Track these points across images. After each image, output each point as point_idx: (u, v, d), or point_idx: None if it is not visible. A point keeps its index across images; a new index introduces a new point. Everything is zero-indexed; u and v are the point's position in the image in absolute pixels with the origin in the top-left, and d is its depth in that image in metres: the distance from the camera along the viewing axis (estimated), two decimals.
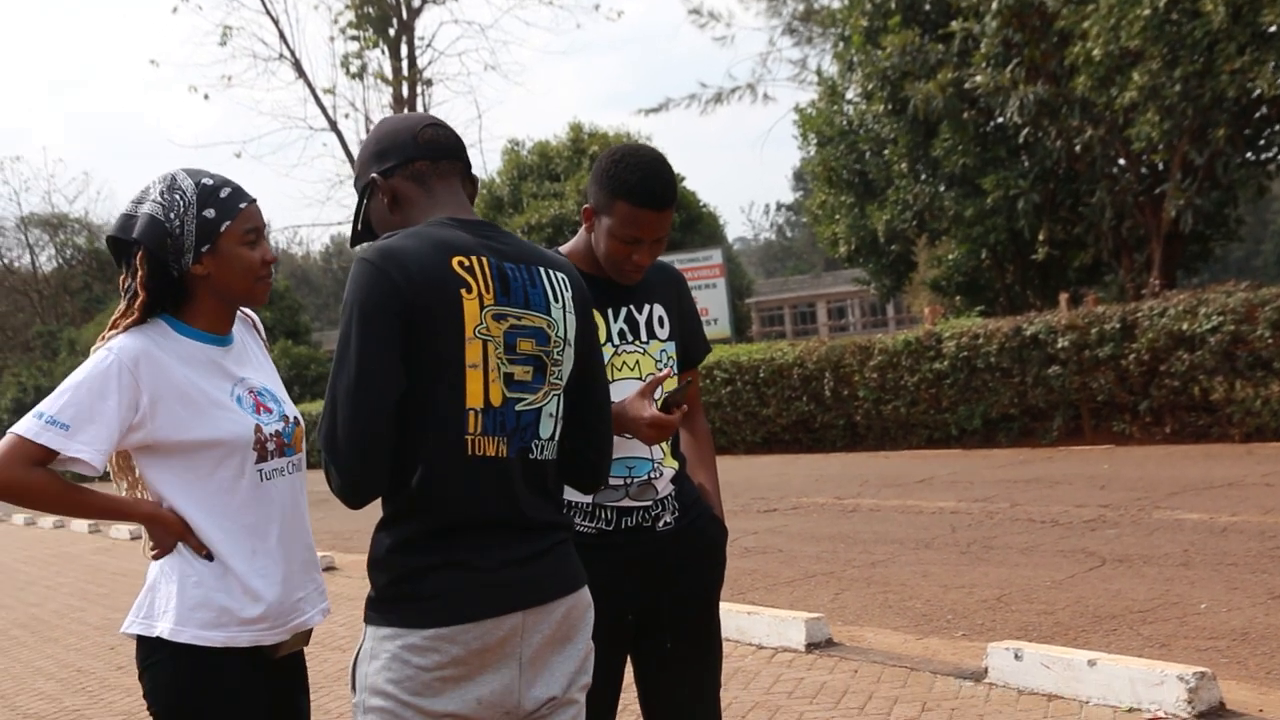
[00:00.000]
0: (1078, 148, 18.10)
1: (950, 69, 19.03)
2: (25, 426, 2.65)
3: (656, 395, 2.87)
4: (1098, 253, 19.68)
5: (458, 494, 2.30)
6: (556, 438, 2.42)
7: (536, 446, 2.37)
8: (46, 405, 2.67)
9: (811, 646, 6.28)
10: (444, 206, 2.43)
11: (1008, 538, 8.84)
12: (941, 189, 20.86)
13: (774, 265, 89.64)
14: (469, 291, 2.28)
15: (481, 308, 2.29)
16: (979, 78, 18.29)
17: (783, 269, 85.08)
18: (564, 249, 3.21)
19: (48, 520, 20.87)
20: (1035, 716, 4.92)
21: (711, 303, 24.08)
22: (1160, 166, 17.93)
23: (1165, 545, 7.94)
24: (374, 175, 2.45)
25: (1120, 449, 13.70)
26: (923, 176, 21.12)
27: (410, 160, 2.45)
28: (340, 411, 2.26)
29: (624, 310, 3.14)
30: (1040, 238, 19.10)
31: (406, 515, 2.31)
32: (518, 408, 2.34)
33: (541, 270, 2.42)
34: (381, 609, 2.31)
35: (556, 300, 2.41)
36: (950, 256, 21.21)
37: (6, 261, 58.95)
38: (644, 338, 3.16)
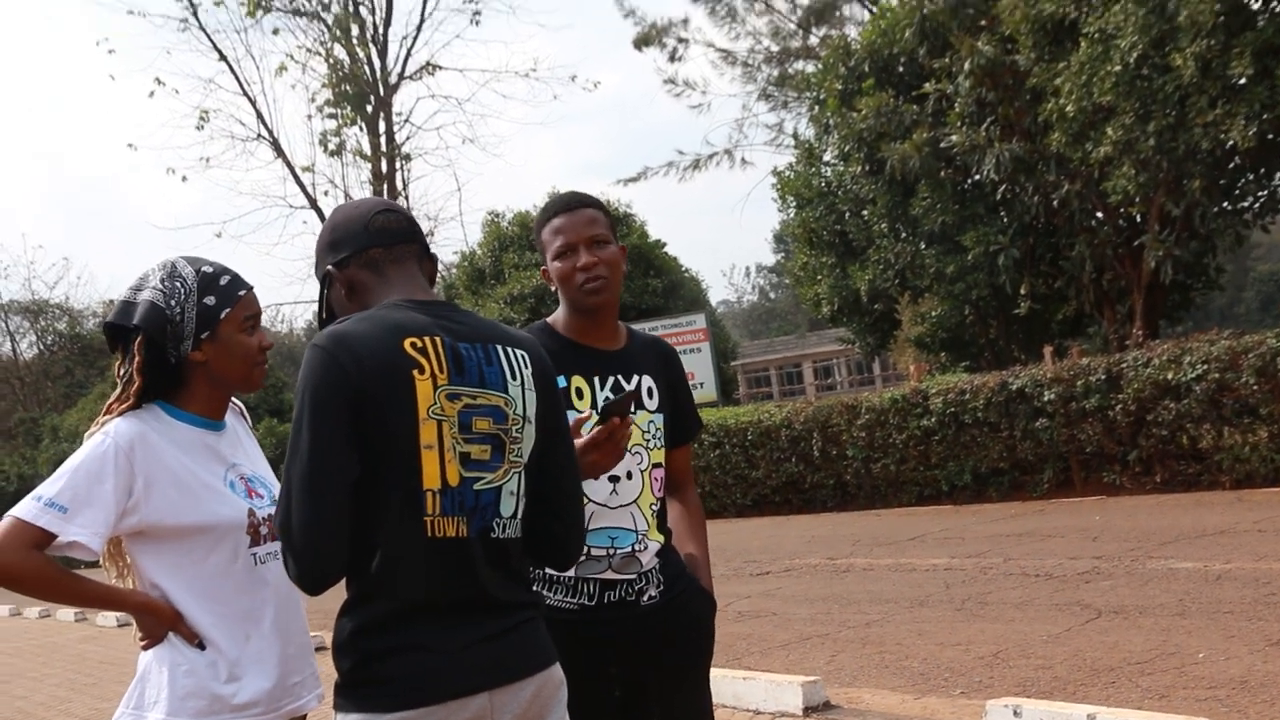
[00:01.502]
0: (1055, 202, 18.24)
1: (925, 129, 19.20)
2: (24, 509, 2.65)
3: (584, 429, 2.78)
4: (1080, 305, 19.78)
5: (418, 576, 2.29)
6: (519, 515, 2.40)
7: (499, 525, 2.36)
8: (45, 488, 2.68)
9: (809, 710, 6.23)
10: (399, 289, 2.45)
11: (1002, 593, 8.80)
12: (922, 247, 20.96)
13: (758, 327, 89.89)
14: (421, 372, 2.29)
15: (435, 388, 2.29)
16: (954, 137, 18.45)
17: (767, 330, 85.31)
18: (550, 319, 3.21)
19: (33, 610, 20.66)
20: None
21: (697, 367, 24.09)
22: (1138, 218, 18.07)
23: (1160, 595, 7.91)
24: (329, 266, 2.48)
25: (1111, 499, 13.68)
26: (903, 235, 21.24)
27: (363, 249, 2.47)
28: (294, 498, 2.25)
29: (611, 379, 3.13)
30: (1022, 292, 19.18)
31: (367, 599, 2.30)
32: (476, 486, 2.33)
33: (499, 348, 2.41)
34: (347, 694, 2.29)
35: (514, 377, 2.40)
36: (934, 313, 21.28)
37: None
38: (631, 408, 3.14)
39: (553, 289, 3.16)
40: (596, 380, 3.10)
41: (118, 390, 2.85)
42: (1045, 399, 14.27)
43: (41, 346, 57.36)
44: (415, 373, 2.27)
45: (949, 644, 7.36)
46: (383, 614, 2.28)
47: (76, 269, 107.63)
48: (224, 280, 2.85)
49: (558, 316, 3.20)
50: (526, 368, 2.43)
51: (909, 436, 15.81)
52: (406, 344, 2.29)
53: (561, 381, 3.03)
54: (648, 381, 3.19)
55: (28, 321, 56.93)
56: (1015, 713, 5.28)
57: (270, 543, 2.80)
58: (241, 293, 2.86)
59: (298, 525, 2.24)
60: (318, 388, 2.26)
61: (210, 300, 2.81)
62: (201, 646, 2.72)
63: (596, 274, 3.05)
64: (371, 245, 2.45)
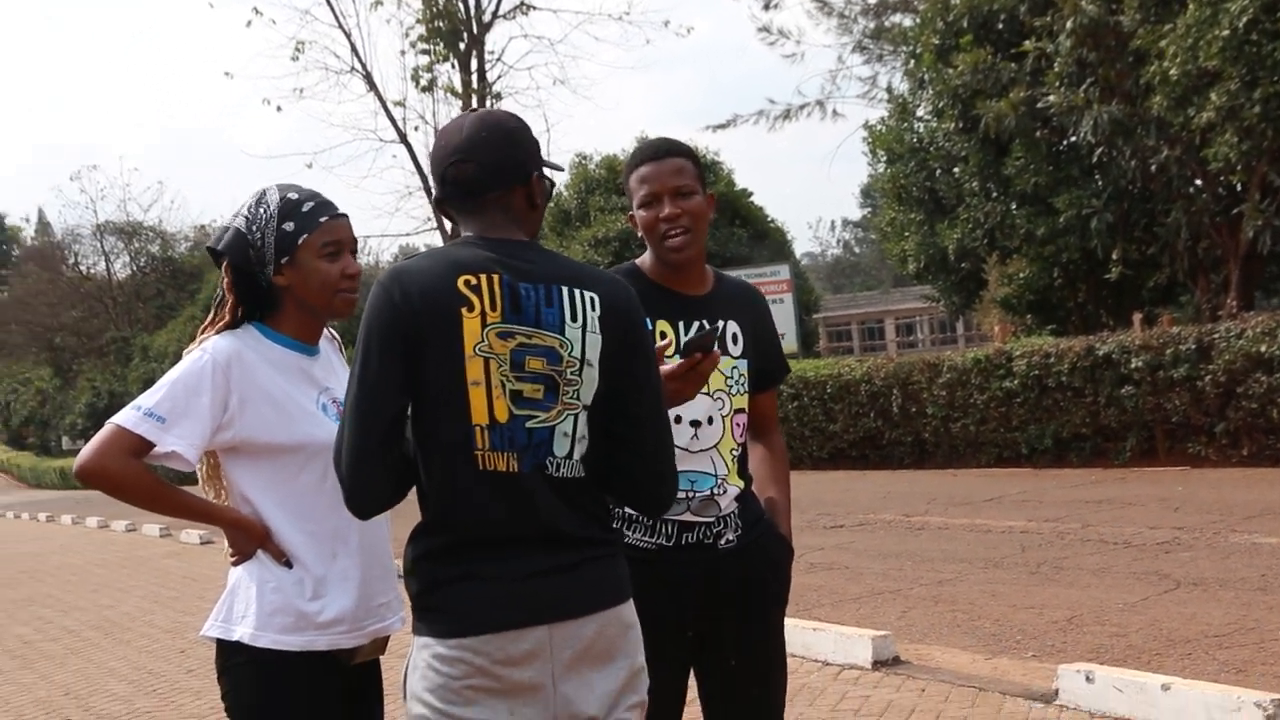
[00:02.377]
0: (1153, 168, 17.89)
1: (1023, 88, 18.87)
2: (124, 417, 2.73)
3: (669, 353, 2.80)
4: (1173, 273, 19.43)
5: (471, 508, 2.34)
6: (576, 456, 2.39)
7: (552, 464, 2.37)
8: (144, 399, 2.77)
9: (878, 664, 6.24)
10: (475, 225, 2.47)
11: (1079, 558, 8.73)
12: (1013, 207, 20.69)
13: (841, 281, 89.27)
14: (470, 310, 2.32)
15: (483, 326, 2.32)
16: (1052, 97, 18.12)
17: (850, 285, 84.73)
18: (638, 261, 3.21)
19: (120, 523, 21.18)
20: None
21: (779, 318, 23.98)
22: (1238, 187, 17.68)
23: (1242, 569, 7.81)
24: (436, 196, 2.55)
25: (1195, 471, 13.49)
26: (994, 194, 20.95)
27: (447, 198, 2.50)
28: (345, 428, 2.35)
29: (695, 324, 3.13)
30: (1114, 257, 18.87)
31: (429, 528, 2.38)
32: (528, 425, 2.35)
33: (564, 289, 2.40)
34: (417, 617, 2.37)
35: (575, 320, 2.39)
36: (1022, 275, 21.01)
37: (83, 269, 59.97)
38: (713, 345, 3.14)
39: (638, 235, 3.16)
40: (681, 325, 3.11)
41: (213, 310, 2.92)
42: (1132, 366, 14.06)
43: (135, 268, 58.44)
44: (464, 310, 2.31)
45: (1022, 606, 7.33)
46: (443, 544, 2.36)
47: (170, 193, 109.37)
48: (306, 207, 2.88)
49: (645, 259, 3.20)
50: (593, 310, 2.41)
51: (990, 397, 15.67)
52: (460, 281, 2.33)
53: (645, 324, 3.05)
54: (733, 327, 3.18)
55: (122, 243, 57.97)
56: (1088, 678, 5.25)
57: None
58: (323, 219, 2.88)
59: (345, 454, 2.34)
60: (371, 323, 2.33)
61: (289, 226, 2.85)
62: (289, 565, 2.79)
63: (680, 225, 3.04)
64: (451, 198, 2.49)
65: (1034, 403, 15.20)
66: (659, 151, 3.11)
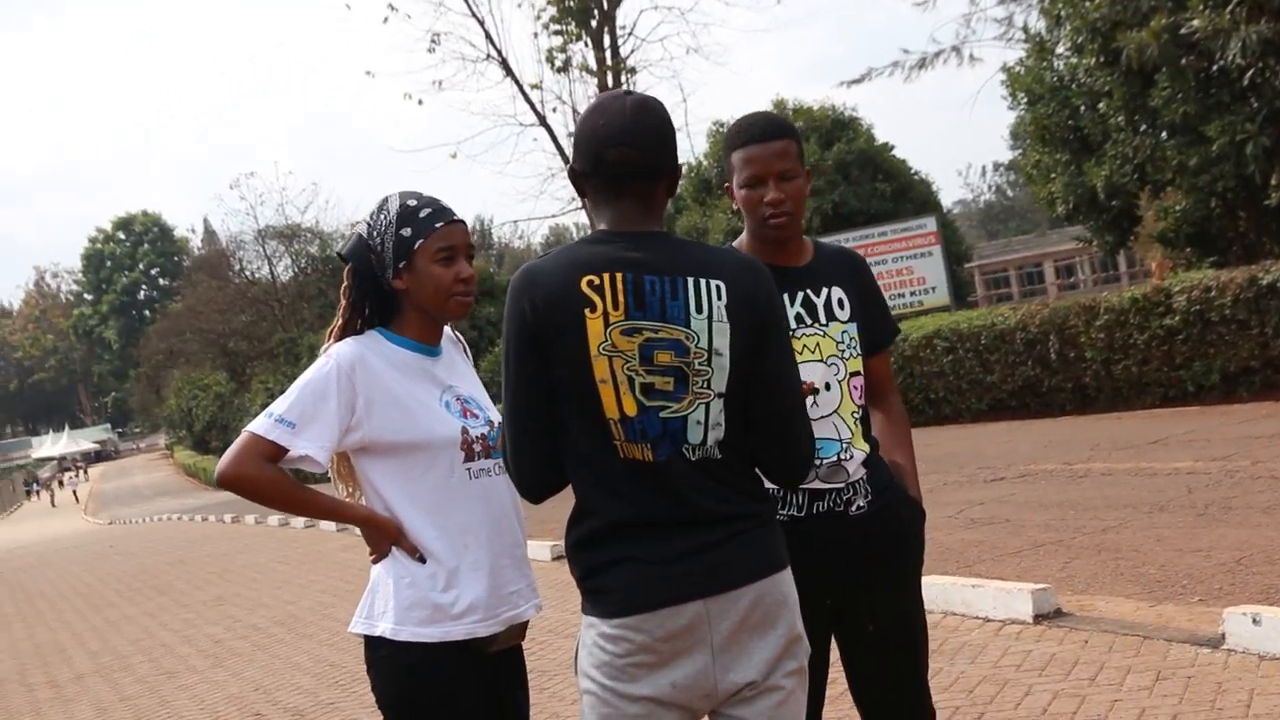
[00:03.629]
0: None
1: (1164, 15, 18.29)
2: (258, 424, 2.92)
3: None
4: None
5: (616, 495, 2.46)
6: (710, 441, 2.47)
7: (689, 450, 2.46)
8: (276, 406, 2.95)
9: (1040, 618, 6.21)
10: (608, 217, 2.55)
11: (1248, 497, 8.54)
12: (1163, 138, 20.10)
13: (996, 226, 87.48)
14: (593, 310, 2.41)
15: (606, 325, 2.41)
16: (1196, 21, 17.54)
17: (1006, 230, 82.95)
18: (736, 243, 3.28)
19: (299, 521, 21.90)
20: (1277, 684, 4.78)
21: (928, 271, 23.76)
22: None
23: None
24: (574, 166, 2.62)
25: None
26: (1141, 128, 20.37)
27: (594, 175, 2.55)
28: (505, 425, 2.56)
29: (800, 294, 3.19)
30: (1272, 182, 18.21)
31: (582, 515, 2.52)
32: (661, 415, 2.44)
33: (690, 280, 2.45)
34: (583, 598, 2.52)
35: (700, 311, 2.44)
36: (1177, 208, 20.41)
37: (248, 274, 61.79)
38: (823, 320, 3.20)
39: (735, 208, 3.24)
40: (786, 297, 3.17)
41: (338, 317, 3.09)
42: None
43: (296, 269, 60.00)
44: (586, 311, 2.40)
45: (1188, 550, 7.22)
46: (595, 529, 2.48)
47: (324, 193, 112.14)
48: (424, 213, 3.01)
49: (743, 238, 3.28)
50: (719, 299, 2.46)
51: (1151, 336, 15.30)
52: (583, 282, 2.42)
53: None
54: (838, 293, 3.23)
55: (283, 246, 59.56)
56: (1255, 620, 5.17)
57: (484, 459, 2.99)
58: (438, 225, 3.01)
59: (507, 447, 2.55)
60: (507, 329, 2.49)
61: (406, 231, 2.99)
62: (422, 560, 2.94)
63: (782, 210, 3.12)
64: (599, 177, 2.54)
65: (1197, 338, 14.80)
66: (765, 133, 3.16)
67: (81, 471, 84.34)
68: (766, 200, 3.10)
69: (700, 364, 2.44)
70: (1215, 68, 18.85)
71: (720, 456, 2.48)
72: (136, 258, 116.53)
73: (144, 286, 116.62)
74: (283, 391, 2.98)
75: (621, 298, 2.41)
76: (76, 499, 66.68)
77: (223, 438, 65.79)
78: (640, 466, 2.43)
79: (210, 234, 77.75)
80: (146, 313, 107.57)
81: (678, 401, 2.43)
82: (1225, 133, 18.31)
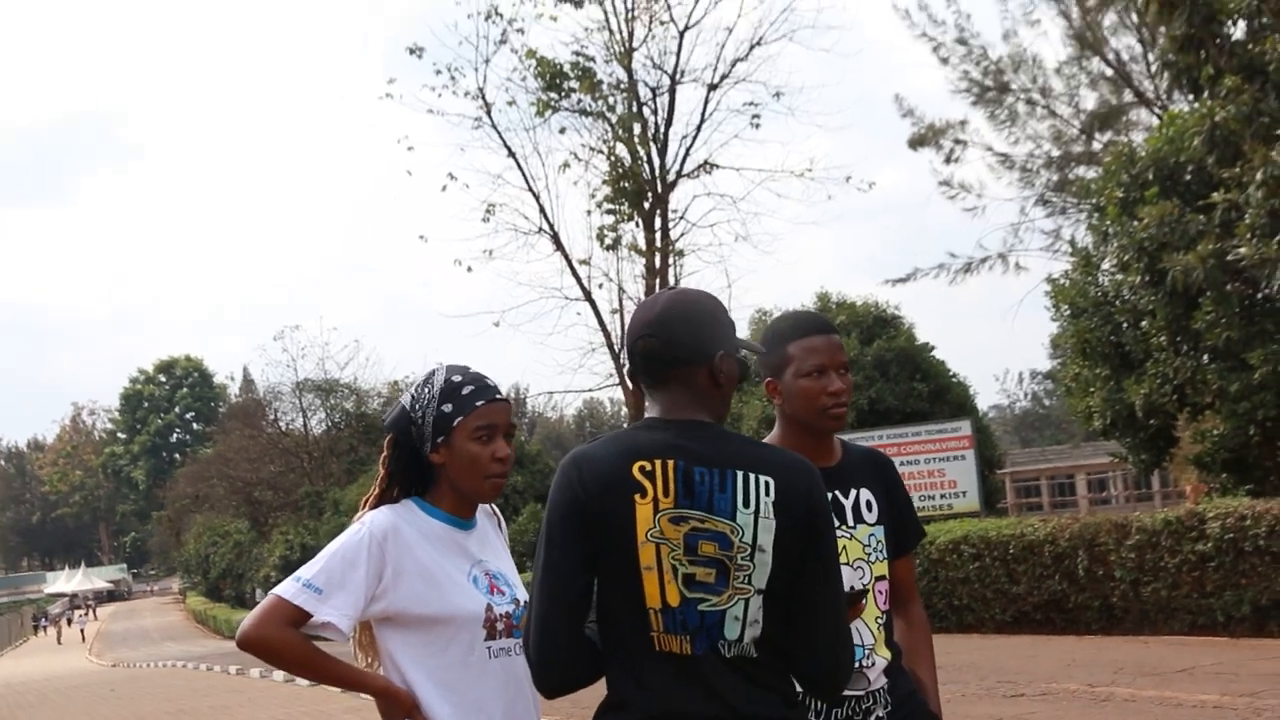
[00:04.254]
0: None
1: (1212, 239, 18.40)
2: (285, 589, 2.89)
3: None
4: None
5: (651, 688, 2.40)
6: (749, 639, 2.42)
7: (724, 646, 2.39)
8: (304, 570, 2.93)
9: None
10: (657, 406, 2.56)
11: None
12: (1204, 361, 20.06)
13: (1030, 435, 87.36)
14: (643, 496, 2.39)
15: (655, 512, 2.38)
16: (1243, 249, 17.62)
17: (1039, 438, 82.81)
18: (767, 440, 3.23)
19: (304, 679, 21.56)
20: None
21: (960, 474, 23.57)
22: None
23: None
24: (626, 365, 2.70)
25: None
26: (1183, 349, 20.34)
27: (632, 368, 2.61)
28: (533, 605, 2.48)
29: (830, 495, 3.13)
30: None
31: (612, 706, 2.47)
32: (700, 608, 2.39)
33: (739, 474, 2.42)
34: None
35: (747, 506, 2.40)
36: (1215, 432, 20.27)
37: (282, 425, 62.25)
38: (850, 522, 3.16)
39: (775, 403, 3.21)
40: None
41: (374, 485, 3.07)
42: None
43: (330, 423, 60.49)
44: (637, 496, 2.39)
45: None
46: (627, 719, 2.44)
47: (366, 351, 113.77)
48: (466, 390, 3.01)
49: (776, 435, 3.24)
50: (768, 495, 2.43)
51: (1183, 561, 15.01)
52: (635, 468, 2.41)
53: None
54: (866, 495, 3.22)
55: (319, 399, 60.12)
56: None
57: (505, 638, 2.95)
58: (479, 403, 3.00)
59: (533, 631, 2.48)
60: (554, 506, 2.47)
61: (448, 407, 2.99)
62: None
63: (844, 401, 3.14)
64: (634, 369, 2.59)
65: (1230, 567, 14.51)
66: (827, 326, 3.24)
67: (91, 610, 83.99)
68: (830, 390, 3.15)
69: (743, 559, 2.40)
70: (1260, 295, 18.92)
71: (756, 656, 2.43)
72: (174, 401, 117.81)
73: (178, 430, 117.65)
74: (303, 544, 2.94)
75: (672, 485, 2.40)
76: (83, 637, 66.18)
77: (236, 586, 65.60)
78: (676, 660, 2.39)
79: (249, 382, 78.79)
80: (177, 455, 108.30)
81: (717, 595, 2.39)
82: (1268, 361, 18.25)
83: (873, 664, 3.10)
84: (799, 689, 2.95)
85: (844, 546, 3.12)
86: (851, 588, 2.84)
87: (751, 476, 2.43)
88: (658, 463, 2.41)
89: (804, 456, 2.64)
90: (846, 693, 3.05)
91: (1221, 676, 11.39)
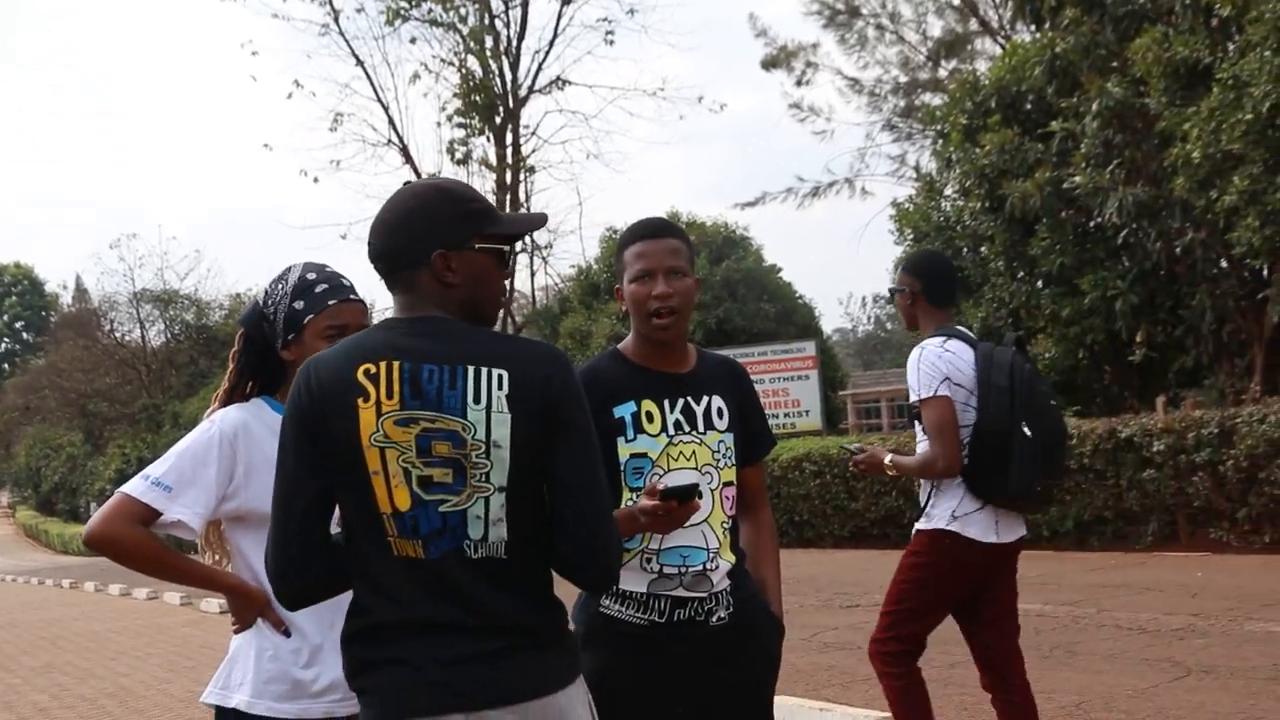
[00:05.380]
0: (1178, 250, 17.88)
1: (1049, 168, 18.93)
2: (133, 486, 2.85)
3: (660, 486, 2.82)
4: (1198, 356, 19.34)
5: (393, 594, 2.34)
6: (494, 539, 2.35)
7: (470, 547, 2.33)
8: (153, 468, 2.89)
9: None
10: (399, 302, 2.50)
11: (1092, 643, 8.67)
12: (1039, 287, 20.69)
13: (873, 357, 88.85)
14: (366, 400, 2.32)
15: (379, 415, 2.31)
16: (1078, 178, 18.17)
17: (881, 361, 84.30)
18: (620, 346, 3.29)
19: (141, 591, 21.23)
20: None
21: (804, 394, 24.01)
22: (1263, 271, 17.64)
23: (1255, 658, 7.75)
24: None
25: (1216, 557, 13.35)
26: (1019, 275, 20.95)
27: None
28: (272, 519, 2.42)
29: (681, 401, 3.20)
30: (1138, 339, 18.82)
31: (357, 611, 2.40)
32: (441, 509, 2.32)
33: (469, 370, 2.35)
34: (356, 697, 2.42)
35: (478, 402, 2.33)
36: (1047, 355, 20.95)
37: (118, 336, 60.42)
38: (701, 428, 3.21)
39: (622, 310, 3.24)
40: (666, 403, 3.18)
41: (224, 381, 3.03)
42: (1154, 449, 14.00)
43: (169, 335, 58.82)
44: (359, 400, 2.32)
45: (1033, 691, 7.27)
46: (368, 626, 2.37)
47: (207, 262, 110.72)
48: (320, 288, 2.98)
49: (628, 342, 3.29)
50: (500, 389, 2.35)
51: None
52: (360, 371, 2.34)
53: (632, 406, 3.13)
54: (718, 402, 3.26)
55: (158, 310, 58.39)
56: None
57: None
58: (331, 302, 2.98)
59: (270, 542, 2.41)
60: (287, 413, 2.41)
61: (299, 304, 2.95)
62: (287, 633, 2.86)
63: (669, 305, 3.13)
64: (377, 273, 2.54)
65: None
66: (656, 230, 3.21)
67: None
68: (655, 294, 3.12)
69: (478, 456, 2.32)
70: (1093, 224, 19.53)
71: (506, 556, 2.35)
72: (1, 309, 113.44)
73: (6, 339, 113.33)
74: (140, 458, 2.89)
75: (397, 386, 2.32)
76: None
77: (70, 501, 63.91)
78: (413, 564, 2.32)
79: (82, 292, 75.91)
80: (5, 366, 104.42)
81: (456, 494, 2.32)
82: (1098, 287, 18.89)
83: (716, 567, 3.16)
84: (623, 587, 3.03)
85: (694, 451, 3.19)
86: (682, 485, 2.83)
87: (484, 371, 2.34)
88: (382, 364, 2.33)
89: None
90: (689, 594, 3.12)
91: (1046, 588, 11.89)
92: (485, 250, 2.49)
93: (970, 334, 4.94)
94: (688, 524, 3.04)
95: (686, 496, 2.78)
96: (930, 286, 4.89)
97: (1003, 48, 25.95)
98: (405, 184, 2.60)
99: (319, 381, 2.36)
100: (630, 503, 3.02)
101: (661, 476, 3.05)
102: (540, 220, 2.70)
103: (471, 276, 2.46)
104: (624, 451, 3.15)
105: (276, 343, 2.98)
